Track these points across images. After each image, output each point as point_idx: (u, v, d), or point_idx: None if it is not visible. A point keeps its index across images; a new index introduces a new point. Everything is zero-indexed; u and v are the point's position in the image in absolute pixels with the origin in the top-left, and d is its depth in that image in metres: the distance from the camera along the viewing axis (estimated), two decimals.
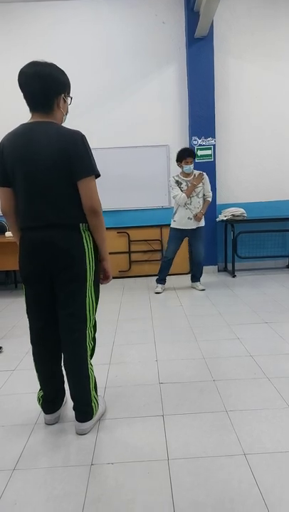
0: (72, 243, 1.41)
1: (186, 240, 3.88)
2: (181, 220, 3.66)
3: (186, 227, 3.67)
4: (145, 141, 4.58)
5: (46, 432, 1.55)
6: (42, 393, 1.58)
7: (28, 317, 1.53)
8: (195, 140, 4.52)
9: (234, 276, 4.42)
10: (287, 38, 4.52)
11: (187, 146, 4.59)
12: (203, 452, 1.36)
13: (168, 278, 3.99)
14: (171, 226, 3.76)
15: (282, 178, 4.75)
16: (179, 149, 3.70)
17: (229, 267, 4.61)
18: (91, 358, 1.56)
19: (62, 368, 1.56)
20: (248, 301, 3.33)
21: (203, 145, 4.52)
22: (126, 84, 4.58)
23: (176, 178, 3.67)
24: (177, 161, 3.66)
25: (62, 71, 1.41)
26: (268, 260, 4.80)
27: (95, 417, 1.55)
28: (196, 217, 3.63)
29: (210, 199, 3.73)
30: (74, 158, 1.35)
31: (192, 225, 3.66)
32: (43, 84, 1.34)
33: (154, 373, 2.01)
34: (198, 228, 3.70)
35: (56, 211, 1.38)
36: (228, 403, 1.68)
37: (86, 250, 1.43)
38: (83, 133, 1.42)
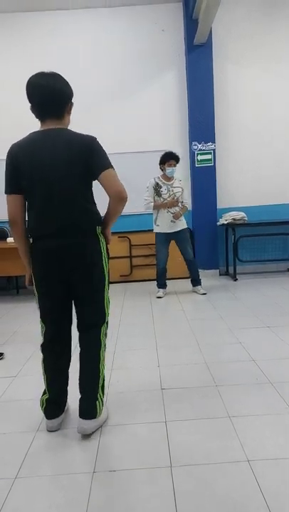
0: (90, 248, 1.49)
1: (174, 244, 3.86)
2: (164, 224, 3.68)
3: (169, 231, 3.69)
4: (145, 147, 4.61)
5: (48, 439, 1.54)
6: (46, 396, 1.58)
7: (42, 318, 1.58)
8: (195, 145, 4.55)
9: (235, 279, 4.42)
10: (285, 40, 4.56)
11: (187, 151, 4.63)
12: (206, 458, 1.35)
13: (169, 282, 3.99)
14: (155, 232, 3.78)
15: (283, 182, 4.76)
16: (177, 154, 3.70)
17: (230, 270, 4.61)
18: (104, 352, 1.59)
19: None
20: (250, 305, 3.32)
21: (204, 150, 4.54)
22: (126, 91, 4.62)
23: (157, 181, 3.68)
24: (160, 163, 3.67)
25: (66, 81, 1.48)
26: (269, 264, 4.80)
27: (98, 420, 1.55)
28: (175, 215, 3.62)
29: (188, 206, 3.79)
30: (92, 158, 1.43)
31: (175, 227, 3.68)
32: (54, 95, 1.42)
33: (156, 379, 2.00)
34: (181, 230, 3.72)
35: (75, 214, 1.44)
36: (230, 408, 1.67)
37: (102, 253, 1.53)
38: None
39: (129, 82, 4.60)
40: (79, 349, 1.60)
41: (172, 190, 3.66)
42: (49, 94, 1.41)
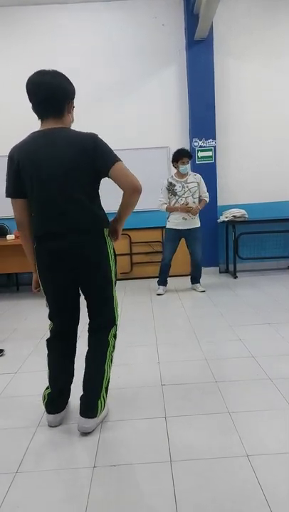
0: (97, 249, 1.47)
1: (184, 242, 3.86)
2: (177, 220, 3.66)
3: (181, 228, 3.67)
4: (146, 143, 4.59)
5: (49, 434, 1.55)
6: (49, 391, 1.59)
7: (50, 317, 1.59)
8: (196, 142, 4.53)
9: (236, 277, 4.42)
10: (286, 35, 4.52)
11: (188, 147, 4.61)
12: (206, 454, 1.36)
13: (169, 280, 3.99)
14: (166, 227, 3.77)
15: (283, 179, 4.75)
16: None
17: (231, 268, 4.61)
18: (112, 353, 1.60)
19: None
20: (250, 302, 3.33)
21: (204, 147, 4.53)
22: (126, 87, 4.59)
23: (170, 180, 3.67)
24: (173, 161, 3.66)
25: (68, 79, 1.46)
26: (270, 261, 4.79)
27: (98, 418, 1.55)
28: (192, 211, 3.58)
29: (207, 199, 3.72)
30: (97, 155, 1.39)
31: (187, 225, 3.66)
32: (54, 93, 1.40)
33: (156, 375, 2.01)
34: (194, 229, 3.69)
35: (79, 215, 1.42)
36: (230, 404, 1.67)
37: (108, 255, 1.51)
38: None
39: (129, 77, 4.58)
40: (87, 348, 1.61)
41: (187, 187, 3.64)
42: (49, 92, 1.39)
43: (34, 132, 1.44)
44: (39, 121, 1.47)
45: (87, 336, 1.63)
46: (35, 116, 1.47)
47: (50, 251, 1.45)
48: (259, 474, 1.24)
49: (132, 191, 1.42)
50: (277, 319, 2.81)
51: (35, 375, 2.07)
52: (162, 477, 1.26)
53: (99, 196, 1.50)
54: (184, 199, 3.61)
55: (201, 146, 4.52)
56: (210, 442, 1.42)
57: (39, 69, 1.44)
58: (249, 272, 4.67)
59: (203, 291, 3.80)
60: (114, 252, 1.56)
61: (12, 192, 1.45)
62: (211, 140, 4.51)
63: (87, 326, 1.61)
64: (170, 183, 3.66)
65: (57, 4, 4.42)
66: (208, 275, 4.57)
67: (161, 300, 3.65)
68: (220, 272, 4.77)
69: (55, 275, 1.48)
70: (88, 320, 1.61)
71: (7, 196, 1.46)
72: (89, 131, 1.45)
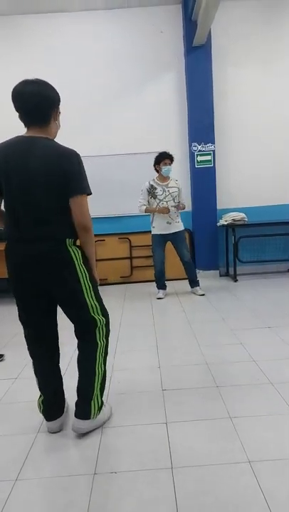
0: (60, 256, 1.44)
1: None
2: (161, 226, 3.69)
3: (166, 232, 3.69)
4: (145, 148, 4.61)
5: (49, 440, 1.54)
6: (42, 398, 1.59)
7: (21, 322, 1.58)
8: (195, 146, 4.55)
9: (236, 280, 4.41)
10: (284, 40, 4.56)
11: (187, 152, 4.64)
12: (207, 460, 1.35)
13: (169, 283, 3.99)
14: (152, 233, 3.79)
15: (282, 183, 4.76)
16: (173, 155, 3.70)
17: (231, 271, 4.61)
18: (105, 355, 1.58)
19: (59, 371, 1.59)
20: (251, 306, 3.32)
21: (203, 151, 4.55)
22: (125, 93, 4.63)
23: (152, 183, 3.69)
24: (155, 163, 3.67)
25: (53, 87, 1.47)
26: (270, 264, 4.80)
27: (95, 421, 1.55)
28: (177, 207, 3.64)
29: (185, 205, 3.75)
30: (70, 177, 1.40)
31: (172, 229, 3.69)
32: (39, 101, 1.41)
33: (156, 380, 2.00)
34: (178, 232, 3.72)
35: (44, 225, 1.41)
36: (231, 409, 1.66)
37: (75, 260, 1.47)
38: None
39: (129, 83, 4.61)
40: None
41: (168, 191, 3.66)
42: (35, 101, 1.40)
43: (18, 136, 1.45)
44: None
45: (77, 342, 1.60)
46: None
47: (16, 254, 1.44)
48: (261, 480, 1.23)
49: (80, 228, 1.45)
50: (278, 323, 2.80)
51: (35, 380, 2.05)
52: (163, 483, 1.25)
53: (68, 210, 1.44)
54: (164, 203, 3.63)
55: (200, 151, 4.54)
56: (211, 448, 1.41)
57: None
58: (249, 275, 4.67)
59: (203, 295, 3.80)
60: (82, 256, 1.50)
61: None
62: (210, 144, 4.54)
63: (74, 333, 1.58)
64: (151, 186, 3.67)
65: (57, 12, 4.47)
66: (208, 278, 4.57)
67: (162, 304, 3.64)
68: (220, 276, 4.77)
69: (22, 277, 1.47)
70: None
71: None
72: (72, 149, 1.45)
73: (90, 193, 1.48)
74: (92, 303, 1.52)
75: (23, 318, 1.57)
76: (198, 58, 4.38)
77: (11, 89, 1.43)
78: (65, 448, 1.48)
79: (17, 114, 1.46)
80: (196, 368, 2.11)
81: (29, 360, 2.32)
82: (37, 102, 1.40)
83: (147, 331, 2.82)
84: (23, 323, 1.58)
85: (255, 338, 2.52)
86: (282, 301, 3.44)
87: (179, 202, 3.71)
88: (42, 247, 1.41)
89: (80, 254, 1.49)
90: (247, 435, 1.47)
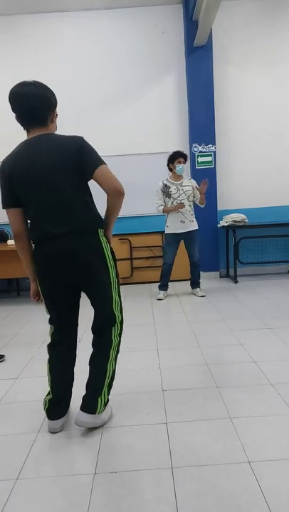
0: (92, 249, 1.47)
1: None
2: (174, 225, 3.68)
3: (179, 231, 3.68)
4: (146, 149, 4.62)
5: (49, 440, 1.54)
6: (50, 397, 1.59)
7: (50, 322, 1.60)
8: (195, 147, 4.56)
9: (236, 281, 4.42)
10: (285, 41, 4.57)
11: (188, 152, 4.64)
12: (207, 460, 1.35)
13: (170, 284, 3.99)
14: (165, 232, 3.78)
15: (283, 184, 4.77)
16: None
17: (231, 272, 4.61)
18: (117, 354, 1.61)
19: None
20: (251, 307, 3.32)
21: (204, 152, 4.55)
22: (126, 93, 4.64)
23: (166, 182, 3.68)
24: (169, 162, 3.67)
25: (50, 89, 1.48)
26: (270, 265, 4.80)
27: (98, 418, 1.55)
28: (200, 189, 3.59)
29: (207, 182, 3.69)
30: (84, 157, 1.42)
31: (186, 228, 3.68)
32: (38, 103, 1.42)
33: (157, 380, 2.00)
34: (192, 231, 3.71)
35: (74, 218, 1.43)
36: (232, 410, 1.66)
37: (105, 254, 1.50)
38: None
39: (129, 84, 4.62)
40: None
41: (182, 189, 3.65)
42: (33, 103, 1.41)
43: (23, 141, 1.47)
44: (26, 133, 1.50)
45: (89, 341, 1.63)
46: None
47: (47, 254, 1.46)
48: (261, 480, 1.23)
49: (115, 195, 1.45)
50: (279, 324, 2.80)
51: (36, 380, 2.06)
52: (164, 483, 1.25)
53: (91, 197, 1.51)
54: (179, 201, 3.62)
55: (200, 152, 4.55)
56: (211, 448, 1.41)
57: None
58: (250, 276, 4.67)
59: (203, 296, 3.80)
60: (112, 252, 1.55)
61: (9, 203, 1.47)
62: (210, 145, 4.54)
63: (92, 328, 1.62)
64: (165, 185, 3.67)
65: (57, 12, 4.48)
66: (209, 280, 4.58)
67: (162, 305, 3.64)
68: (220, 277, 4.77)
69: (53, 278, 1.49)
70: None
71: (4, 207, 1.48)
72: (75, 135, 1.48)
73: (105, 164, 1.47)
74: (116, 297, 1.57)
75: (53, 319, 1.59)
76: (199, 58, 4.39)
77: (8, 91, 1.43)
78: (66, 448, 1.48)
79: (13, 115, 1.46)
80: (197, 369, 2.11)
81: (29, 361, 2.35)
82: (36, 103, 1.42)
83: (148, 332, 2.83)
84: (51, 322, 1.60)
85: (256, 339, 2.52)
86: (282, 302, 3.44)
87: (202, 184, 3.59)
88: (76, 241, 1.43)
89: (109, 246, 1.53)
90: (247, 435, 1.47)
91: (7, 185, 1.44)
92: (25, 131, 1.50)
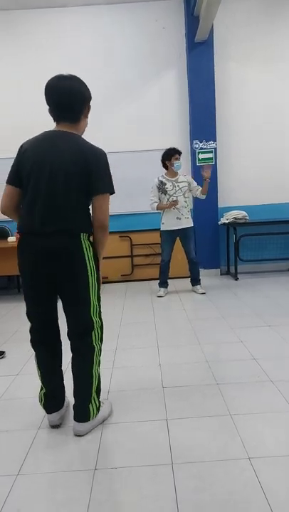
0: (73, 252, 1.44)
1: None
2: (170, 221, 3.67)
3: (175, 228, 3.68)
4: (147, 146, 4.60)
5: (49, 436, 1.55)
6: (44, 391, 1.59)
7: (28, 317, 1.56)
8: (196, 144, 4.54)
9: (237, 279, 4.41)
10: (287, 37, 4.53)
11: (188, 149, 4.63)
12: (207, 456, 1.35)
13: (170, 281, 3.99)
14: (161, 229, 3.78)
15: (284, 181, 4.75)
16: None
17: (232, 269, 4.60)
18: (99, 357, 1.57)
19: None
20: (251, 304, 3.32)
21: (205, 148, 4.54)
22: (127, 89, 4.61)
23: (161, 179, 3.66)
24: (165, 159, 3.63)
25: (85, 84, 1.50)
26: (271, 263, 4.79)
27: (94, 421, 1.55)
28: (203, 189, 3.62)
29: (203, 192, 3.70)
30: (95, 175, 1.42)
31: (181, 224, 3.67)
32: (73, 98, 1.44)
33: (157, 377, 2.01)
34: (187, 228, 3.71)
35: (62, 219, 1.41)
36: (231, 407, 1.67)
37: (86, 257, 1.47)
38: (87, 139, 1.49)
39: (130, 79, 4.59)
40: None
41: (178, 186, 3.64)
42: (68, 97, 1.43)
43: (48, 131, 1.48)
44: (43, 124, 1.50)
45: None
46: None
47: (31, 247, 1.44)
48: (261, 477, 1.23)
49: (99, 226, 1.48)
50: (279, 321, 2.80)
51: (36, 377, 2.05)
52: (163, 480, 1.25)
53: (87, 205, 1.47)
54: (175, 198, 3.61)
55: (201, 148, 4.53)
56: (211, 444, 1.42)
57: (57, 72, 1.48)
58: (250, 273, 4.67)
59: (204, 293, 3.80)
60: (94, 257, 1.51)
61: (11, 180, 1.47)
62: (211, 142, 4.52)
63: (67, 333, 1.55)
64: (161, 182, 3.65)
65: (57, 7, 4.44)
66: (209, 277, 4.57)
67: (162, 302, 3.64)
68: (221, 274, 4.76)
69: (34, 270, 1.46)
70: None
71: (6, 182, 1.48)
72: (100, 148, 1.47)
73: (114, 192, 1.50)
74: (95, 303, 1.52)
75: (31, 313, 1.55)
76: (200, 54, 4.36)
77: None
78: (66, 443, 1.49)
79: (47, 107, 1.47)
80: (197, 366, 2.12)
81: (30, 357, 2.35)
82: (71, 97, 1.43)
83: (148, 329, 2.83)
84: (29, 317, 1.56)
85: (256, 336, 2.53)
86: (282, 299, 3.44)
87: (205, 167, 3.61)
88: (58, 241, 1.42)
89: (91, 251, 1.50)
90: (247, 432, 1.48)
91: (16, 163, 1.47)
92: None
